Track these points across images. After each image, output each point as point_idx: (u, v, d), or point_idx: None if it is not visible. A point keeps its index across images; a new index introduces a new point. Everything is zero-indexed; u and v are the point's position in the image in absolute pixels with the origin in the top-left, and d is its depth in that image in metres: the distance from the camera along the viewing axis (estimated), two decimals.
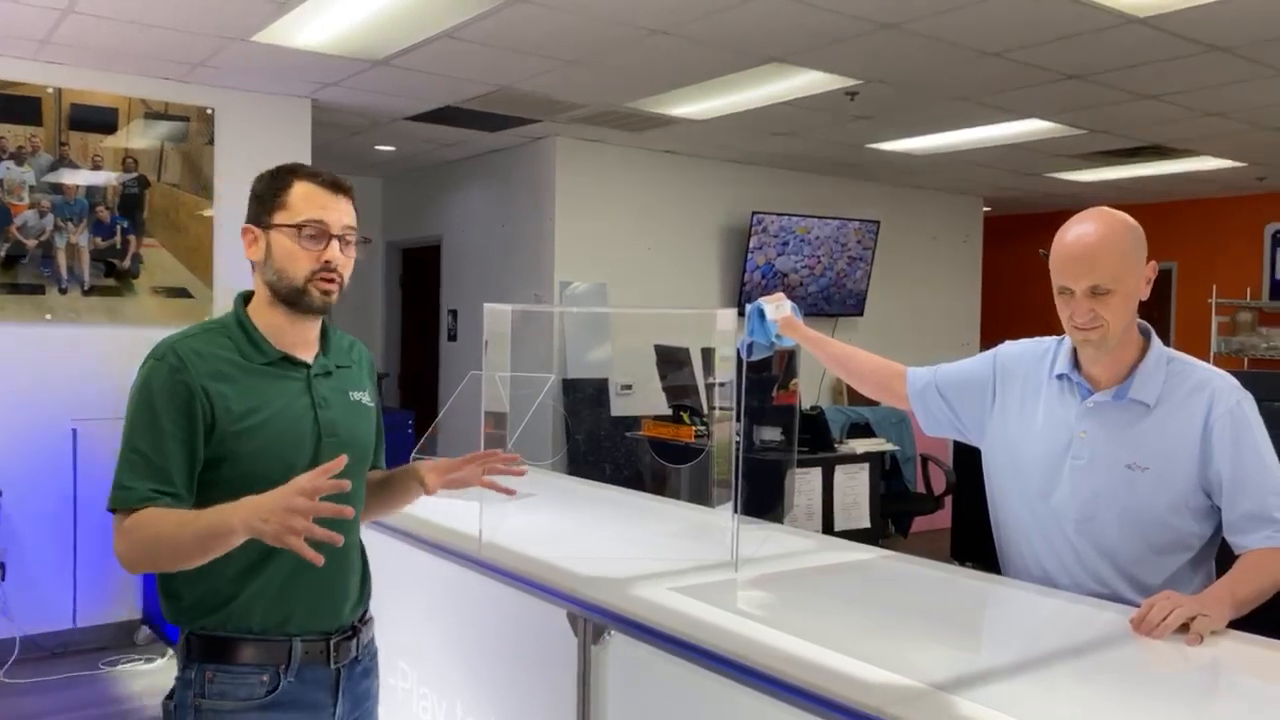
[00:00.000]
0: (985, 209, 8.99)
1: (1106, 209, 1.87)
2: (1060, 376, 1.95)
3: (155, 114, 4.96)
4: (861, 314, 7.87)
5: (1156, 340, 1.92)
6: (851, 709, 1.36)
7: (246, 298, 1.73)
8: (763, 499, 4.07)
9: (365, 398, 1.81)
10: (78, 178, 4.77)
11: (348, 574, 1.74)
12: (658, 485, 5.07)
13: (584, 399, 6.51)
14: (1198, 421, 1.82)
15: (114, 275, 4.86)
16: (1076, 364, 1.93)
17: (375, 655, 1.85)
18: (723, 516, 2.18)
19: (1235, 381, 1.86)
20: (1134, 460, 1.84)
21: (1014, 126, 5.87)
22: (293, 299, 1.66)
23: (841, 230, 7.57)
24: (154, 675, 4.43)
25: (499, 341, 2.37)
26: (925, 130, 6.09)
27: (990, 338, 2.21)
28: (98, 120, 4.82)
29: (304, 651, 1.66)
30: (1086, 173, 7.38)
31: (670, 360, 5.33)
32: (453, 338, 7.64)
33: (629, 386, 6.64)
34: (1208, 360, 2.02)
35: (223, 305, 5.06)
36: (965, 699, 1.35)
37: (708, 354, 5.08)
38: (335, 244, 1.66)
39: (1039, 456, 1.94)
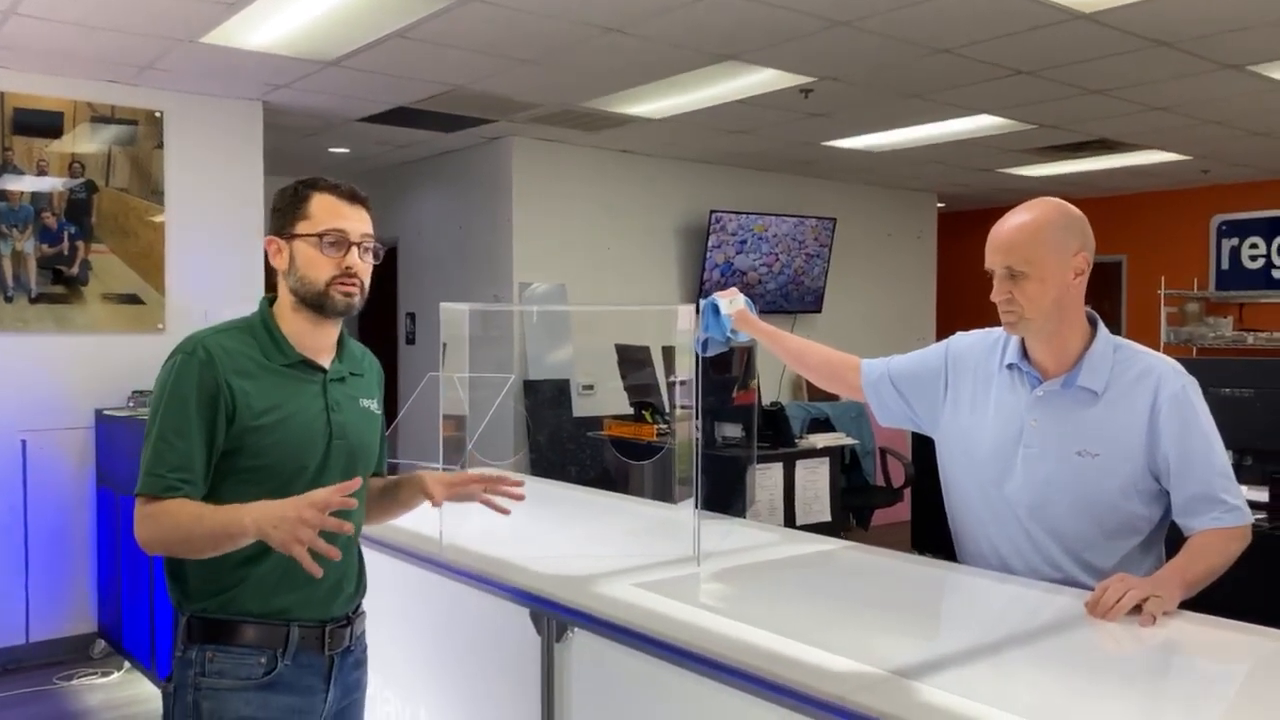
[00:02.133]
0: (939, 205, 9.09)
1: (1049, 199, 1.91)
2: (1010, 366, 1.97)
3: (102, 118, 4.88)
4: (820, 311, 7.93)
5: (1103, 329, 1.95)
6: (814, 698, 1.37)
7: (271, 301, 1.81)
8: (725, 495, 4.09)
9: (374, 405, 1.89)
10: (22, 183, 4.67)
11: (345, 567, 1.78)
12: (621, 484, 5.08)
13: (545, 400, 6.49)
14: (1144, 407, 1.84)
15: (62, 282, 4.76)
16: (1026, 354, 1.96)
17: (366, 649, 1.92)
18: (685, 513, 2.18)
19: (1180, 367, 1.89)
20: (1084, 447, 1.86)
21: (965, 123, 5.95)
22: (317, 303, 1.75)
23: (799, 228, 7.62)
24: (111, 689, 4.35)
25: (457, 342, 2.36)
26: (879, 127, 6.15)
27: (945, 332, 2.24)
28: (42, 124, 4.73)
29: (300, 636, 1.73)
30: (1037, 168, 7.49)
31: (631, 360, 5.33)
32: (410, 341, 7.58)
33: (590, 387, 6.63)
34: (1158, 350, 2.06)
35: (175, 311, 5.00)
36: (926, 684, 1.36)
37: (668, 353, 5.10)
38: (355, 250, 1.75)
39: (991, 446, 1.96)
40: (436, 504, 1.94)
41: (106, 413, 4.68)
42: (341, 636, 1.80)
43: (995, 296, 1.87)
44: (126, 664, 4.52)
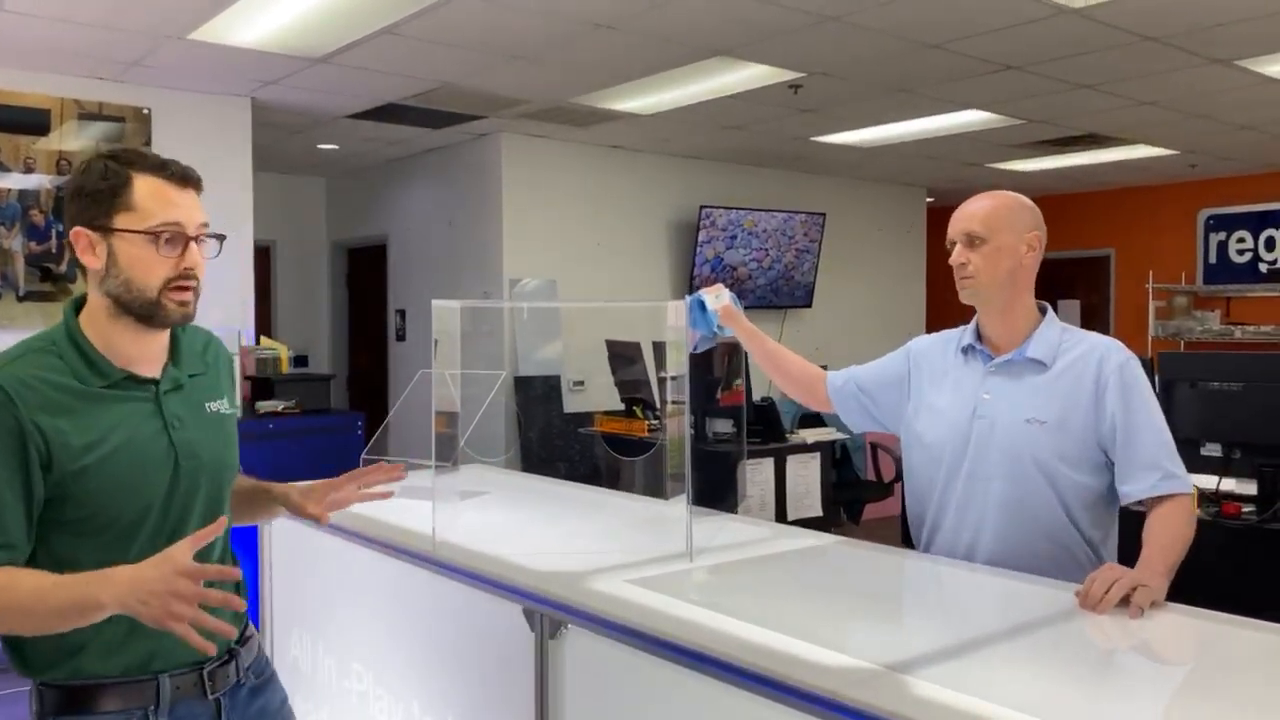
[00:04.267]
0: (929, 200, 9.11)
1: (1008, 191, 2.06)
2: (966, 349, 2.10)
3: (89, 115, 4.85)
4: (810, 305, 7.93)
5: (1052, 313, 2.07)
6: (808, 692, 1.37)
7: (78, 306, 1.51)
8: (716, 490, 4.09)
9: (224, 405, 1.62)
10: (9, 181, 4.65)
11: (218, 593, 1.59)
12: (612, 480, 5.08)
13: (536, 396, 6.49)
14: (1090, 379, 1.95)
15: (51, 280, 4.74)
16: (979, 336, 2.09)
17: (266, 667, 1.71)
18: (677, 508, 2.18)
19: (1122, 345, 2.00)
20: (1033, 415, 1.96)
21: (955, 118, 5.96)
22: (146, 313, 1.46)
23: (788, 223, 7.63)
24: None
25: (448, 339, 2.36)
26: (869, 123, 6.16)
27: (936, 328, 2.29)
28: (29, 121, 4.70)
29: (175, 687, 1.49)
30: (1026, 162, 7.52)
31: (622, 355, 5.33)
32: (401, 338, 7.56)
33: (581, 383, 6.63)
34: (1147, 344, 2.15)
35: None
36: (918, 679, 1.37)
37: (659, 348, 5.10)
38: (193, 246, 1.48)
39: (949, 424, 2.06)
40: (322, 522, 1.71)
41: None
42: (225, 675, 1.56)
43: (954, 261, 2.01)
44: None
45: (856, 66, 4.82)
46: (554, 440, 6.33)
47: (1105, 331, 2.07)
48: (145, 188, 1.46)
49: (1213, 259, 8.51)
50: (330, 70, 4.80)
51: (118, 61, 4.61)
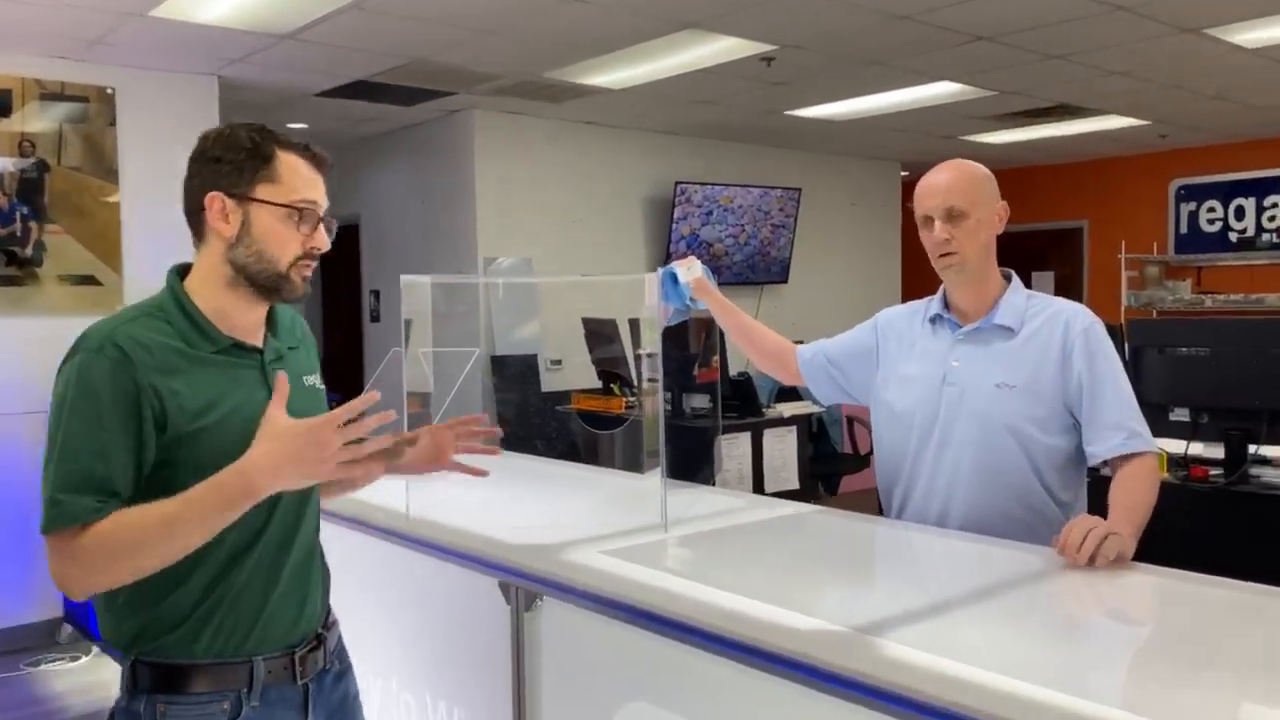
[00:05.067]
0: (903, 173, 9.12)
1: (966, 160, 2.08)
2: (934, 318, 2.13)
3: (52, 95, 4.77)
4: (786, 281, 7.94)
5: (1017, 280, 2.11)
6: (779, 656, 1.38)
7: (182, 272, 1.53)
8: (693, 464, 4.11)
9: (316, 381, 1.66)
10: None
11: (307, 578, 1.58)
12: (589, 457, 5.08)
13: (513, 375, 6.47)
14: (1057, 342, 1.98)
15: (16, 264, 4.67)
16: (947, 305, 2.12)
17: (346, 655, 1.72)
18: (652, 482, 2.19)
19: (1087, 309, 2.04)
20: (1003, 380, 1.99)
21: (927, 90, 5.96)
22: (271, 285, 1.48)
23: (764, 199, 7.62)
24: (78, 674, 4.31)
25: (420, 317, 2.34)
26: (841, 96, 6.15)
27: (911, 299, 2.31)
28: None
29: (267, 671, 1.49)
30: (998, 134, 7.53)
31: (599, 333, 5.32)
32: (375, 318, 7.52)
33: (558, 362, 6.62)
34: (1120, 314, 2.18)
35: (135, 293, 4.91)
36: (890, 640, 1.38)
37: (635, 325, 5.10)
38: (321, 227, 1.52)
39: (919, 393, 2.08)
40: (444, 464, 1.83)
41: None
42: (314, 660, 1.57)
43: (935, 238, 2.01)
44: (94, 648, 4.48)
45: (828, 38, 4.80)
46: (531, 419, 6.32)
47: (1079, 302, 2.08)
48: (288, 162, 1.48)
49: (1184, 229, 8.57)
50: (298, 47, 4.73)
51: (79, 40, 4.53)
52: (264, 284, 1.49)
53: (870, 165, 8.78)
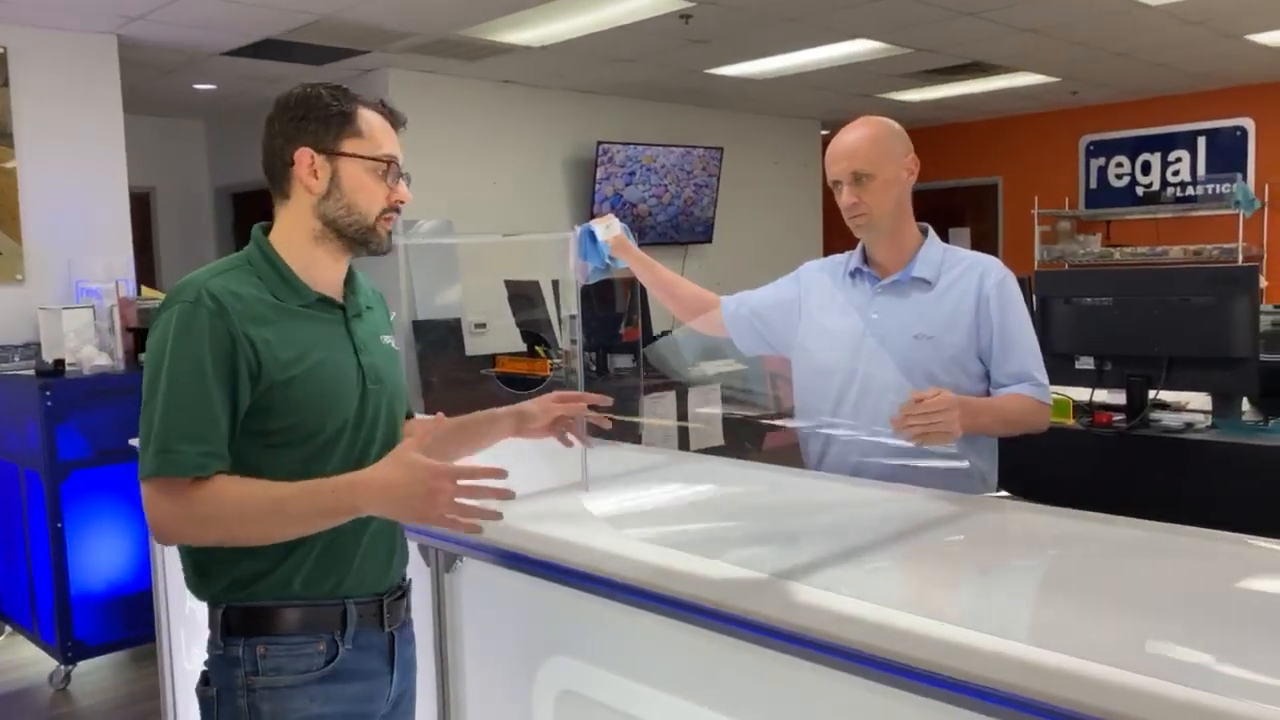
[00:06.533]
0: (823, 132, 9.19)
1: (875, 117, 2.10)
2: (854, 272, 2.17)
3: None
4: (710, 241, 7.97)
5: (934, 234, 2.16)
6: (695, 604, 1.40)
7: (266, 229, 1.56)
8: (617, 425, 4.12)
9: (394, 341, 1.69)
10: None
11: (393, 529, 1.59)
12: None
13: (436, 340, 6.40)
14: (972, 293, 2.05)
15: None
16: (866, 259, 2.16)
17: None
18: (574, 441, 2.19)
19: (1000, 262, 2.10)
20: (920, 331, 2.05)
21: (844, 47, 6.00)
22: (361, 238, 1.53)
23: (686, 158, 7.62)
24: None
25: None
26: (760, 53, 6.16)
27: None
28: None
29: (359, 615, 1.51)
30: (915, 92, 7.63)
31: (521, 295, 5.28)
32: None
33: (483, 325, 6.56)
34: (1032, 268, 2.24)
35: (36, 261, 4.73)
36: (804, 585, 1.41)
37: (558, 286, 5.06)
38: (402, 181, 1.55)
39: (840, 347, 2.13)
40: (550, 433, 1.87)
41: None
42: (398, 610, 1.59)
43: (845, 202, 2.06)
44: (8, 628, 4.35)
45: None
46: (455, 384, 6.27)
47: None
48: (369, 119, 1.52)
49: (1093, 184, 8.81)
50: (200, 4, 4.56)
51: None
52: (353, 236, 1.52)
53: (791, 124, 8.82)
